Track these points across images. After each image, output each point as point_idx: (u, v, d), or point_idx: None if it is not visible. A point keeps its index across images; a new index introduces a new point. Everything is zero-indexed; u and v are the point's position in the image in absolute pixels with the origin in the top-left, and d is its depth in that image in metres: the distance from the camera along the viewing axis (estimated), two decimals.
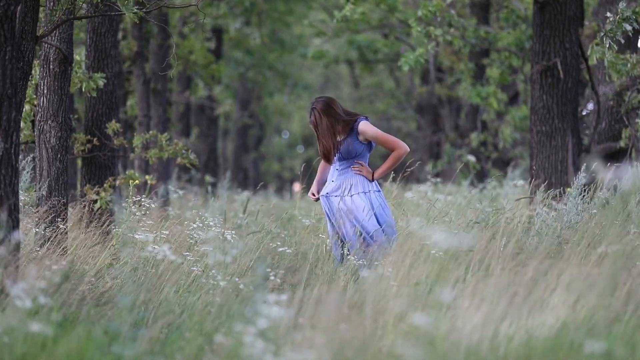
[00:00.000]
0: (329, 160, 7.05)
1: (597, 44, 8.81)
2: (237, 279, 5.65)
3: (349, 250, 6.86)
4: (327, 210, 7.08)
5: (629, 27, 8.45)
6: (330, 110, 7.01)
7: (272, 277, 5.88)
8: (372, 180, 7.02)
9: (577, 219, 7.68)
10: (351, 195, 6.99)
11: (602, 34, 8.58)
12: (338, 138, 7.03)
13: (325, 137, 7.01)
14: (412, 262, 5.47)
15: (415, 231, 6.45)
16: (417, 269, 5.41)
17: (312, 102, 7.10)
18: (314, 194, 7.22)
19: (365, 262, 6.60)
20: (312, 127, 7.08)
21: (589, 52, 8.93)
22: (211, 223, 7.43)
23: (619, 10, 8.46)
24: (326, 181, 7.26)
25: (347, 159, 7.04)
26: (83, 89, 8.32)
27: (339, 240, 6.98)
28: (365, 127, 6.99)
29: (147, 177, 9.22)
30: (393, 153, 6.99)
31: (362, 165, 7.03)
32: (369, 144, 7.05)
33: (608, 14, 8.58)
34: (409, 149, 6.97)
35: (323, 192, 7.13)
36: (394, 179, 8.86)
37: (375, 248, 6.78)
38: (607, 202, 7.80)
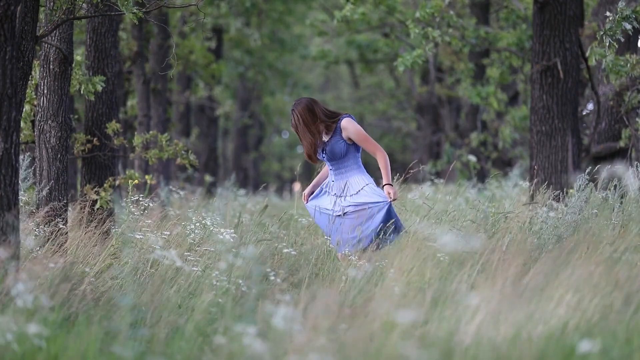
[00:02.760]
0: (312, 160, 7.08)
1: (596, 45, 8.81)
2: (240, 281, 5.65)
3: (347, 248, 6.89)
4: (324, 210, 7.09)
5: (628, 26, 8.44)
6: (310, 111, 7.01)
7: (272, 277, 5.87)
8: (391, 184, 7.05)
9: (577, 218, 7.68)
10: (353, 195, 7.00)
11: (601, 32, 8.57)
12: (324, 138, 7.04)
13: (306, 138, 7.02)
14: (413, 263, 5.47)
15: (418, 232, 6.45)
16: (419, 269, 5.41)
17: (293, 104, 7.10)
18: (305, 196, 7.25)
19: (366, 263, 6.61)
20: (293, 130, 7.09)
21: (588, 53, 8.92)
22: (214, 224, 7.43)
23: (619, 9, 8.46)
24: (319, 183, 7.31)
25: (336, 159, 7.03)
26: (82, 92, 8.32)
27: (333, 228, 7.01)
28: (347, 123, 6.99)
29: (147, 177, 9.21)
30: (381, 161, 7.00)
31: (389, 195, 7.01)
32: (354, 143, 7.03)
33: (608, 13, 8.58)
34: (384, 159, 7.02)
35: (330, 192, 7.12)
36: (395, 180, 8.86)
37: (372, 249, 6.80)
38: (608, 203, 7.80)
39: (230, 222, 8.82)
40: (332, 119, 7.02)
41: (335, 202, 7.04)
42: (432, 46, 10.88)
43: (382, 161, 7.01)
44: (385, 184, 7.00)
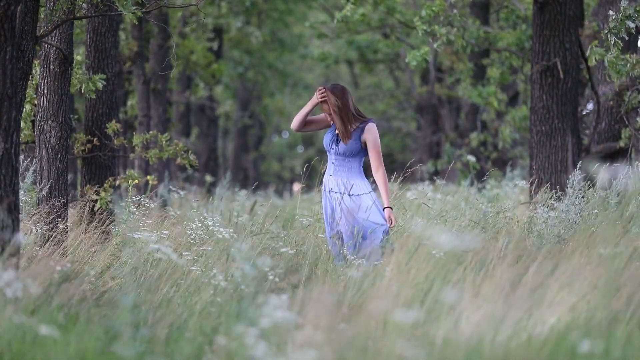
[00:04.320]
0: (345, 138, 7.04)
1: (596, 45, 8.80)
2: (238, 279, 5.65)
3: (347, 249, 6.88)
4: (326, 207, 7.08)
5: (632, 25, 8.45)
6: (344, 96, 7.04)
7: (271, 277, 5.88)
8: (391, 208, 7.05)
9: (577, 219, 7.68)
10: (354, 195, 7.00)
11: (606, 31, 8.58)
12: (349, 127, 7.07)
13: (338, 121, 7.02)
14: (413, 262, 5.48)
15: (417, 231, 6.45)
16: (418, 269, 5.41)
17: (329, 85, 7.10)
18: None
19: (364, 262, 6.61)
20: (331, 108, 7.05)
21: (588, 53, 8.93)
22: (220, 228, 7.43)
23: (622, 8, 8.47)
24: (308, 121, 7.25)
25: (343, 155, 7.04)
26: (82, 90, 8.32)
27: (337, 239, 6.99)
28: (373, 128, 7.02)
29: (148, 177, 9.21)
30: (381, 180, 6.99)
31: (390, 219, 7.00)
32: (365, 148, 7.05)
33: (610, 12, 8.59)
34: (384, 178, 7.03)
35: (326, 188, 7.13)
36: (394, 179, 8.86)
37: (373, 247, 6.80)
38: (608, 202, 7.80)
39: (230, 221, 8.82)
40: (360, 116, 7.07)
41: (331, 204, 7.05)
42: (440, 43, 10.83)
43: (382, 180, 7.01)
44: (385, 207, 7.01)
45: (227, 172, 20.31)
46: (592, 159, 10.28)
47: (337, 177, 7.07)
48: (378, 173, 7.03)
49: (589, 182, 8.16)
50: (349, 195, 7.00)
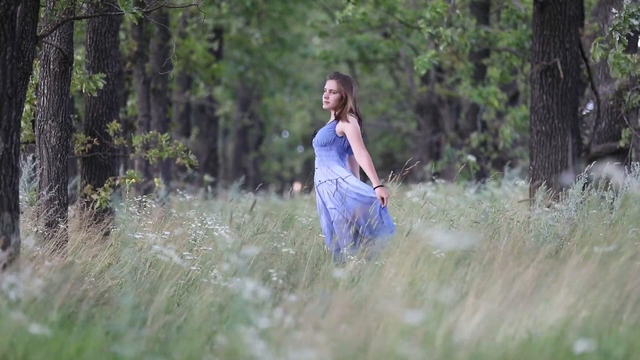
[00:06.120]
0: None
1: (600, 41, 8.80)
2: (238, 279, 5.65)
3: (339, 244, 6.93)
4: (318, 203, 7.13)
5: (636, 22, 8.46)
6: (346, 88, 7.06)
7: (274, 278, 5.88)
8: (382, 186, 6.99)
9: (576, 218, 7.68)
10: (330, 187, 7.04)
11: (610, 28, 8.58)
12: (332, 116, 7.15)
13: (332, 103, 7.11)
14: (413, 262, 5.48)
15: (416, 231, 6.45)
16: (418, 269, 5.42)
17: (342, 76, 7.16)
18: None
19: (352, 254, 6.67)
20: (333, 90, 7.12)
21: (591, 51, 8.92)
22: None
23: (625, 6, 8.48)
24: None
25: (320, 145, 7.09)
26: (83, 90, 8.32)
27: (332, 233, 7.03)
28: (349, 120, 7.02)
29: (155, 179, 9.23)
30: (364, 161, 6.92)
31: (382, 200, 6.96)
32: (343, 138, 7.07)
33: (614, 10, 8.60)
34: (367, 160, 6.96)
35: (315, 183, 7.18)
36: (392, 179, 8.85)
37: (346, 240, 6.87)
38: (608, 203, 7.80)
39: (231, 221, 8.82)
40: (341, 112, 7.09)
41: (322, 195, 7.10)
42: (445, 45, 10.80)
43: (366, 162, 6.94)
44: (375, 187, 6.95)
45: (234, 175, 20.31)
46: (592, 159, 10.28)
47: (320, 167, 7.12)
48: (361, 157, 6.98)
49: (588, 182, 8.16)
50: (334, 182, 7.01)
